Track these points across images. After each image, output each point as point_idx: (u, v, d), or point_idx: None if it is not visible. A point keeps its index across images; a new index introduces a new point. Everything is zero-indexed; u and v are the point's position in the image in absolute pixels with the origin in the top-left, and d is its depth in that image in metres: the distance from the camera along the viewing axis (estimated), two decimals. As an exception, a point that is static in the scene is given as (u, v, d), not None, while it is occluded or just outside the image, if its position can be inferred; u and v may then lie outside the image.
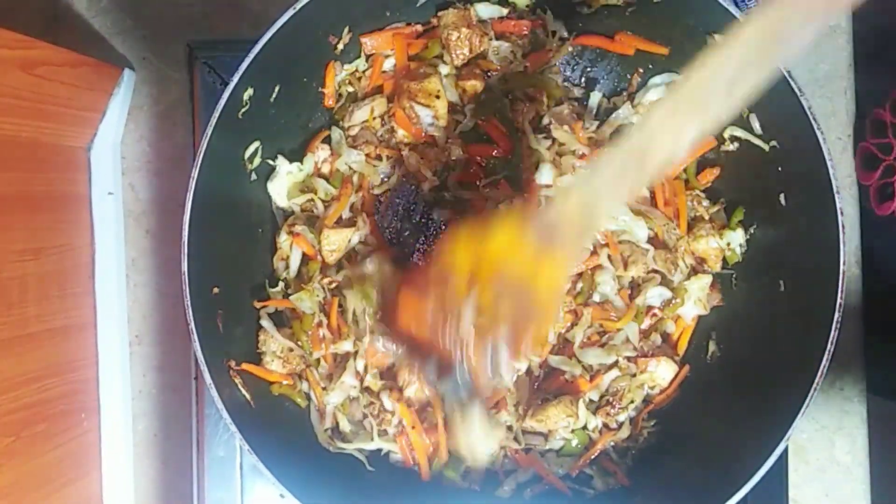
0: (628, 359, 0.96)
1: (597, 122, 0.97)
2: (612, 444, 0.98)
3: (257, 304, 0.94)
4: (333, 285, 0.95)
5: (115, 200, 1.08)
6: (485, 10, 0.97)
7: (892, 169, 1.02)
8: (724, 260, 0.97)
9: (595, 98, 1.00)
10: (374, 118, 0.97)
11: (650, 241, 0.96)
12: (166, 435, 1.10)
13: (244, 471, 1.00)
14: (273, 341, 0.93)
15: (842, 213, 0.79)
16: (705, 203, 0.98)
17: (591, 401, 0.97)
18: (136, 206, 1.09)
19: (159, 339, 1.09)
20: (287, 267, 0.97)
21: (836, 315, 0.78)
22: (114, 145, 1.07)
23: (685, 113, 0.59)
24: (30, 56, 0.87)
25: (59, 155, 0.99)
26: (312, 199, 0.96)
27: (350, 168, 0.97)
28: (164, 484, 1.10)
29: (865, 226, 1.07)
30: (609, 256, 0.95)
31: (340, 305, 0.94)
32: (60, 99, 0.94)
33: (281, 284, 0.96)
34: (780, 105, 0.81)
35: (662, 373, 0.96)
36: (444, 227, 0.92)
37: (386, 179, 0.98)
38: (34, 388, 0.93)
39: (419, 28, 0.97)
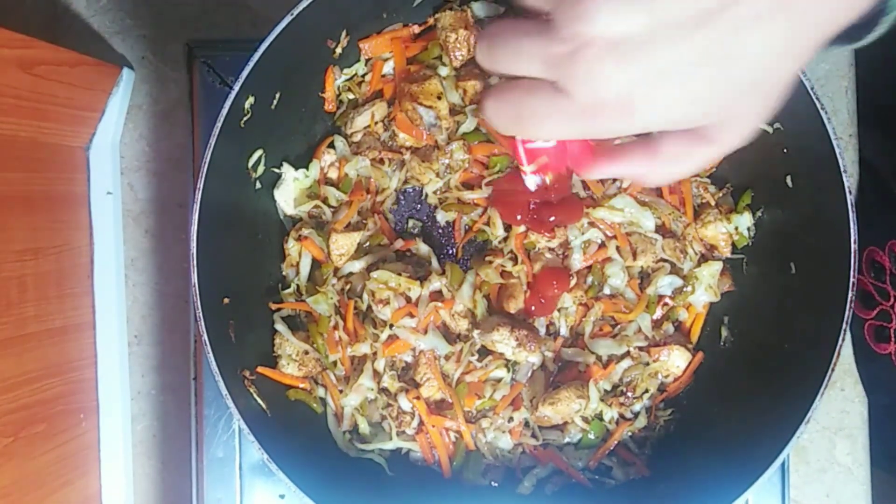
0: (640, 348, 0.96)
1: None
2: (630, 434, 0.99)
3: (273, 306, 0.95)
4: (348, 287, 0.96)
5: (114, 200, 1.07)
6: (482, 9, 0.97)
7: (889, 315, 1.01)
8: (734, 245, 0.97)
9: None
10: (376, 123, 0.98)
11: (658, 230, 0.97)
12: (165, 435, 1.09)
13: (243, 471, 1.00)
14: (289, 345, 0.94)
15: (850, 192, 0.79)
16: (711, 189, 0.98)
17: (605, 391, 0.97)
18: (135, 205, 1.09)
19: (158, 340, 1.09)
20: (298, 273, 0.97)
21: (850, 294, 0.78)
22: (113, 145, 1.07)
23: None
24: (28, 55, 0.86)
25: (58, 154, 0.99)
26: (319, 206, 0.96)
27: (357, 174, 0.98)
28: (163, 484, 1.10)
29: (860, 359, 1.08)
30: (618, 248, 0.96)
31: (356, 307, 0.95)
32: (59, 98, 0.94)
33: (293, 289, 0.97)
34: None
35: (676, 361, 0.97)
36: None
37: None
38: (33, 389, 0.93)
39: (416, 29, 0.97)
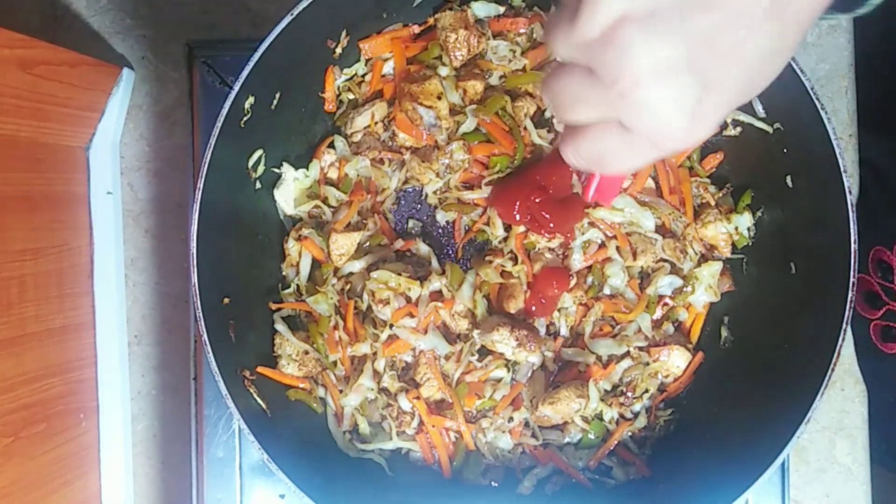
0: (640, 348, 0.97)
1: None
2: (630, 434, 0.99)
3: (273, 306, 0.95)
4: (348, 287, 0.96)
5: (114, 200, 1.07)
6: (481, 9, 0.97)
7: None
8: (734, 245, 0.97)
9: None
10: (376, 123, 0.98)
11: (658, 230, 0.97)
12: (165, 435, 1.09)
13: (243, 471, 1.00)
14: (289, 345, 0.94)
15: (850, 192, 0.79)
16: (711, 189, 0.98)
17: (605, 391, 0.98)
18: (134, 205, 1.09)
19: (158, 340, 1.09)
20: (298, 273, 0.97)
21: (850, 294, 0.78)
22: (113, 145, 1.07)
23: None
24: (28, 55, 0.86)
25: (58, 154, 0.99)
26: (319, 206, 0.96)
27: (357, 174, 0.98)
28: (163, 484, 1.10)
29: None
30: (618, 248, 0.97)
31: (356, 307, 0.95)
32: (59, 98, 0.94)
33: (293, 289, 0.97)
34: (781, 87, 0.80)
35: (676, 361, 0.97)
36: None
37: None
38: (33, 389, 0.93)
39: (416, 29, 0.97)
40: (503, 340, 0.93)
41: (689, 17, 0.44)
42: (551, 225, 0.93)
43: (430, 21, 0.96)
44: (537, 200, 0.92)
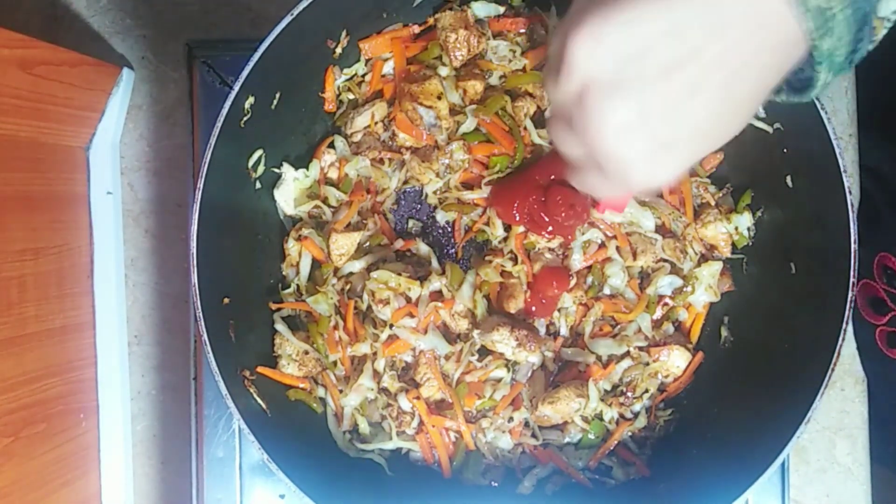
0: (640, 348, 0.96)
1: None
2: (630, 434, 0.99)
3: (273, 306, 0.95)
4: (348, 287, 0.96)
5: (114, 200, 1.07)
6: (481, 9, 0.97)
7: None
8: (734, 245, 0.97)
9: None
10: (376, 123, 0.98)
11: (658, 230, 0.97)
12: (165, 435, 1.09)
13: (243, 471, 1.00)
14: (289, 344, 0.94)
15: (849, 192, 0.79)
16: (711, 189, 0.98)
17: (605, 391, 0.98)
18: (135, 205, 1.09)
19: (158, 340, 1.09)
20: (298, 273, 0.97)
21: (850, 294, 0.78)
22: (113, 145, 1.07)
23: None
24: (28, 55, 0.86)
25: (58, 154, 0.99)
26: (319, 206, 0.96)
27: (357, 174, 0.98)
28: (163, 484, 1.10)
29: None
30: (618, 248, 0.97)
31: (356, 307, 0.95)
32: (59, 98, 0.94)
33: (293, 289, 0.97)
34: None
35: (676, 361, 0.97)
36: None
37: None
38: (33, 389, 0.93)
39: (416, 29, 0.97)
40: (503, 340, 0.93)
41: (645, 86, 0.50)
42: (550, 228, 0.93)
43: (430, 21, 0.96)
44: (535, 201, 0.92)
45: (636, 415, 0.99)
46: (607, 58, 0.50)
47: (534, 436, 0.97)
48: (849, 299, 0.78)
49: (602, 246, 0.98)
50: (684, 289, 0.97)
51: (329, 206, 0.98)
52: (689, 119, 0.52)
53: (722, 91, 0.51)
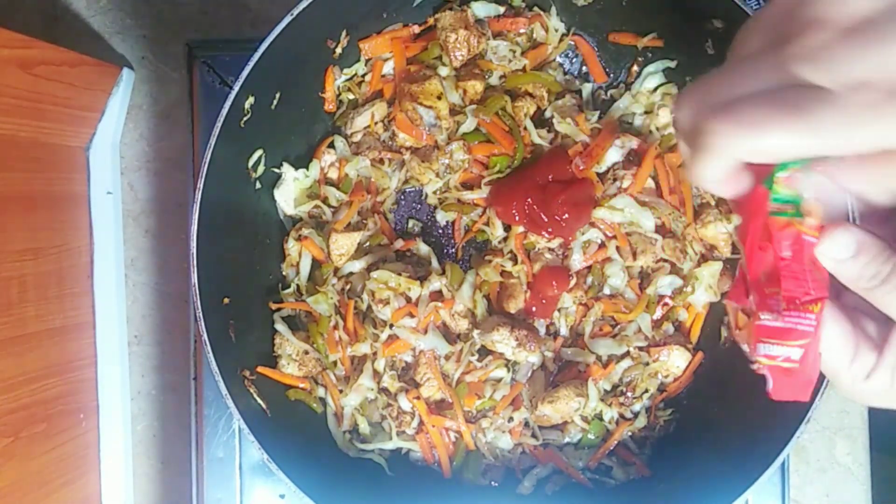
0: (640, 348, 0.97)
1: (597, 112, 0.98)
2: (630, 434, 0.99)
3: (273, 306, 0.95)
4: (348, 287, 0.96)
5: (114, 200, 1.07)
6: (481, 9, 0.97)
7: None
8: (734, 245, 0.97)
9: (587, 89, 1.01)
10: (376, 123, 0.98)
11: (658, 230, 0.97)
12: (165, 435, 1.09)
13: (243, 471, 1.00)
14: (289, 344, 0.94)
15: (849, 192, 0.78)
16: (712, 188, 0.98)
17: (605, 391, 0.98)
18: (134, 205, 1.09)
19: (158, 339, 1.09)
20: (298, 273, 0.97)
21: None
22: (113, 145, 1.07)
23: None
24: (29, 55, 0.86)
25: (58, 154, 0.99)
26: (319, 206, 0.96)
27: (357, 174, 0.98)
28: (162, 484, 1.10)
29: None
30: (618, 248, 0.97)
31: (356, 307, 0.95)
32: (59, 98, 0.94)
33: (293, 289, 0.97)
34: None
35: (676, 361, 0.97)
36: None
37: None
38: (33, 389, 0.93)
39: (416, 29, 0.97)
40: (503, 340, 0.93)
41: None
42: (550, 228, 0.93)
43: (430, 21, 0.96)
44: (534, 201, 0.92)
45: (636, 415, 0.99)
46: None
47: (534, 436, 0.97)
48: None
49: (602, 246, 0.98)
50: (684, 289, 0.97)
51: (329, 206, 0.98)
52: None
53: None
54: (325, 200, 0.98)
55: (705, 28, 0.89)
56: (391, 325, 0.95)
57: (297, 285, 0.97)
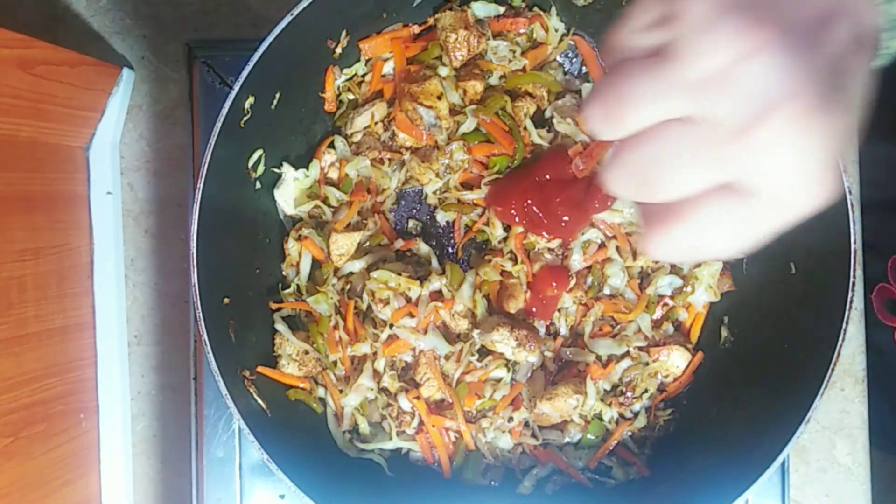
0: (640, 348, 0.97)
1: None
2: (629, 434, 0.99)
3: (273, 306, 0.95)
4: (348, 287, 0.96)
5: (114, 200, 1.07)
6: (481, 9, 0.97)
7: None
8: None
9: (587, 89, 1.01)
10: (376, 123, 0.98)
11: None
12: (165, 435, 1.09)
13: (243, 471, 1.00)
14: (289, 344, 0.94)
15: (850, 192, 0.79)
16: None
17: (605, 391, 0.98)
18: (134, 205, 1.09)
19: (158, 340, 1.09)
20: (298, 273, 0.97)
21: (850, 294, 0.79)
22: (112, 145, 1.07)
23: None
24: (28, 55, 0.86)
25: (58, 154, 0.99)
26: (320, 206, 0.97)
27: (358, 174, 0.98)
28: (162, 484, 1.10)
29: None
30: (617, 248, 0.97)
31: (356, 307, 0.95)
32: (59, 98, 0.94)
33: (293, 289, 0.97)
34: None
35: (676, 361, 0.97)
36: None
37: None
38: (33, 389, 0.93)
39: (416, 29, 0.97)
40: (503, 340, 0.93)
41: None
42: (548, 230, 0.92)
43: (430, 21, 0.96)
44: (534, 201, 0.92)
45: (636, 414, 0.99)
46: None
47: (534, 436, 0.97)
48: (849, 299, 0.79)
49: (602, 246, 0.98)
50: (684, 289, 0.97)
51: (329, 206, 0.98)
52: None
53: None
54: (325, 200, 0.98)
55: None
56: (391, 325, 0.95)
57: (297, 285, 0.97)
